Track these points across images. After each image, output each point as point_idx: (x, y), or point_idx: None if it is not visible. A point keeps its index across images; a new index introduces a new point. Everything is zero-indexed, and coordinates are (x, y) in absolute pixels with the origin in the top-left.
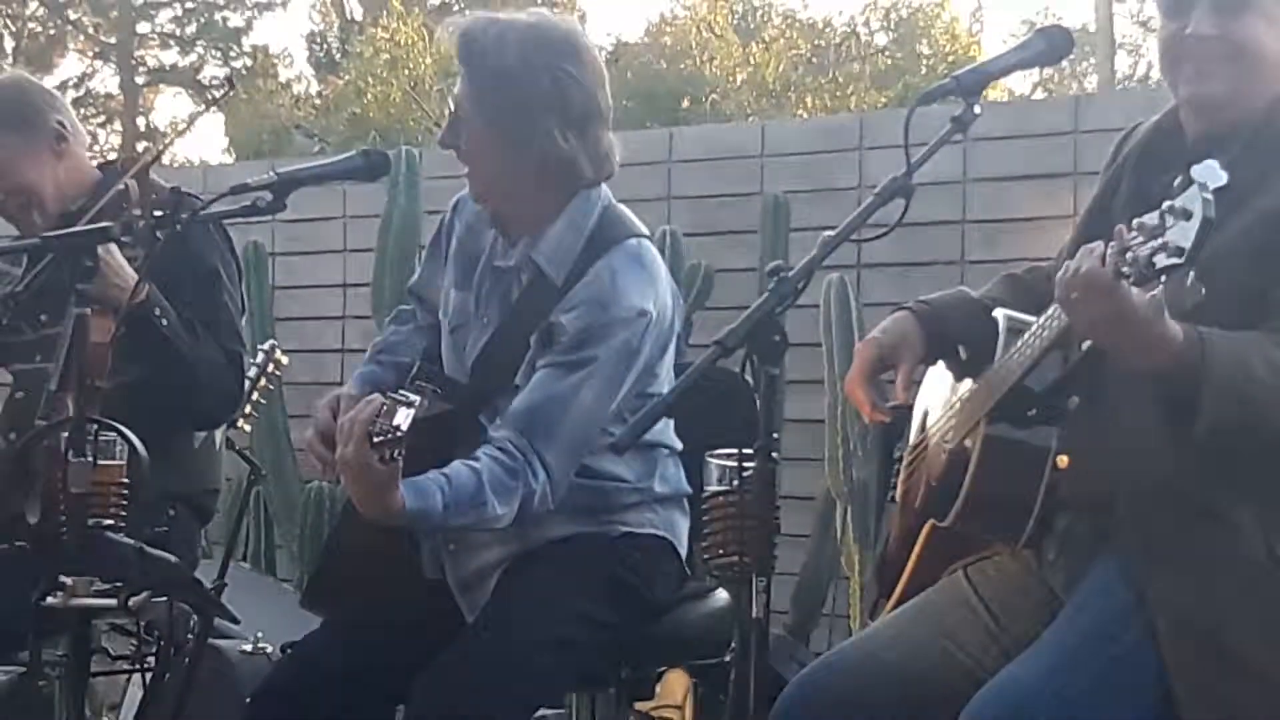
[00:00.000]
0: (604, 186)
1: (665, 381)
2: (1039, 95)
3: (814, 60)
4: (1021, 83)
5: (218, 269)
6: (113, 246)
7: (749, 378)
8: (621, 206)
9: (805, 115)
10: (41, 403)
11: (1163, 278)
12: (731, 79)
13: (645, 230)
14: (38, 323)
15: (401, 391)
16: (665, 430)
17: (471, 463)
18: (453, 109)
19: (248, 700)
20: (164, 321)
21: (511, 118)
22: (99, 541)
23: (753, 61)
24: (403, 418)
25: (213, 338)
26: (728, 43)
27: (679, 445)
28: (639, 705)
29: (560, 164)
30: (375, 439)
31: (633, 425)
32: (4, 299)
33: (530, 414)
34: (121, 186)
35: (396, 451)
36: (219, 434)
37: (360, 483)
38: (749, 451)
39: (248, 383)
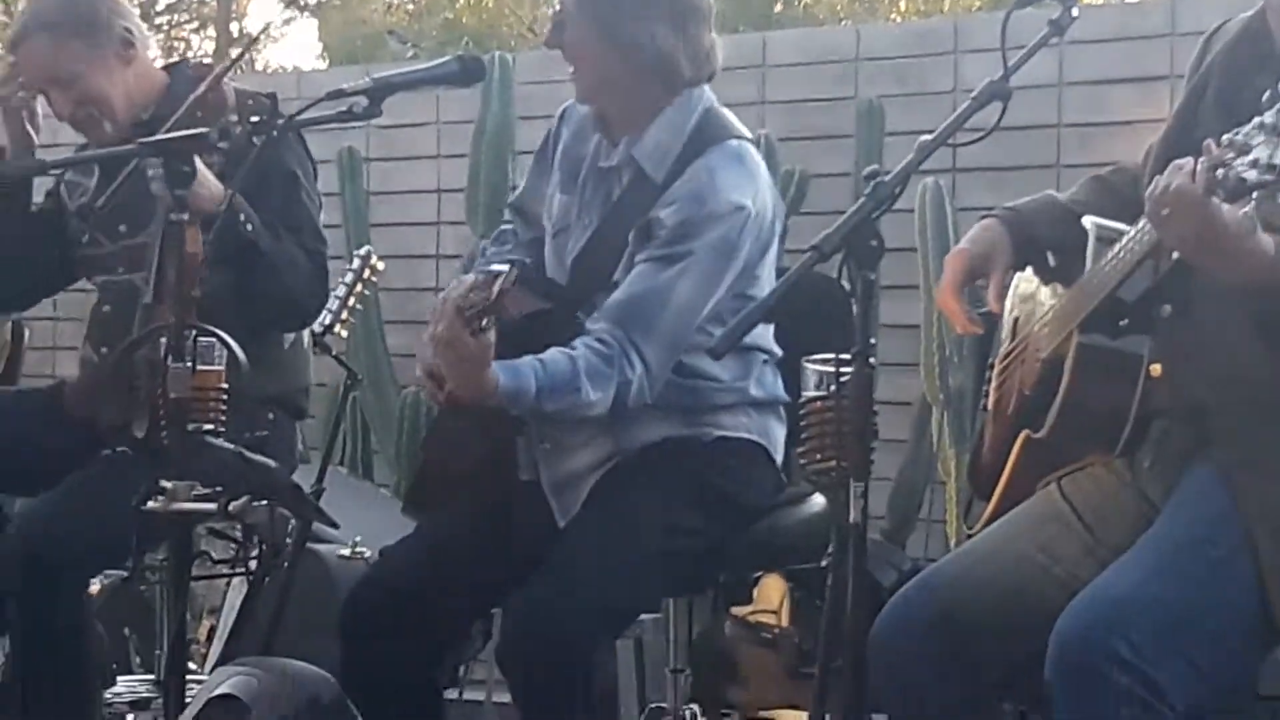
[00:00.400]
0: (707, 89)
1: (766, 284)
2: None
3: None
4: None
5: (295, 172)
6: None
7: (845, 283)
8: (724, 109)
9: (899, 19)
10: (137, 318)
11: (1255, 194)
12: None
13: (748, 133)
14: (117, 234)
15: (491, 268)
16: (764, 334)
17: (568, 350)
18: (557, 8)
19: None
20: (249, 227)
21: (612, 14)
22: (200, 446)
23: None
24: (491, 288)
25: (294, 239)
26: None
27: (778, 351)
28: (735, 610)
29: (660, 61)
30: (466, 313)
31: (730, 330)
32: (81, 210)
33: (627, 306)
34: (213, 91)
35: (486, 320)
36: (306, 332)
37: (453, 359)
38: (846, 357)
39: (344, 288)
